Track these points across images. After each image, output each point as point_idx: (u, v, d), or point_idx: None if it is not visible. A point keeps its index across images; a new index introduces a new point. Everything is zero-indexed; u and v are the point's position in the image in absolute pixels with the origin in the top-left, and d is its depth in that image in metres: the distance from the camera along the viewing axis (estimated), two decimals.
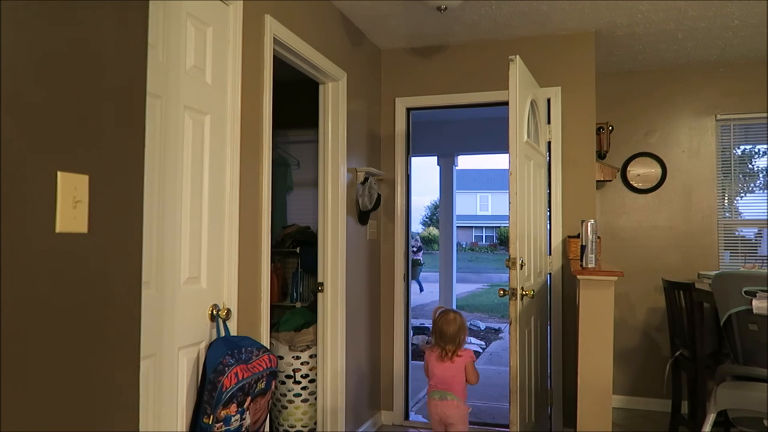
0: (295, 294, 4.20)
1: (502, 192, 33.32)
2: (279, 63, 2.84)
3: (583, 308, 2.75)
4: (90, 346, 1.18)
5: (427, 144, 6.03)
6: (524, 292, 2.90)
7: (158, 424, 1.90)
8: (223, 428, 1.93)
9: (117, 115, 1.26)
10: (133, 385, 1.30)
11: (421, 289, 14.89)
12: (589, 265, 2.83)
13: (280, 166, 4.31)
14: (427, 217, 35.69)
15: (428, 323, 8.68)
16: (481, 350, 6.90)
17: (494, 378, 5.33)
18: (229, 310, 2.21)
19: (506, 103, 2.91)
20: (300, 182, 4.44)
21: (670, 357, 3.68)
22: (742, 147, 4.47)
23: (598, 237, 3.19)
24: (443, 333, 2.96)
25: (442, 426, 2.97)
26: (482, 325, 8.87)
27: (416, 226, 34.35)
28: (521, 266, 2.89)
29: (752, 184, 4.43)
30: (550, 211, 3.79)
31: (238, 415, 1.97)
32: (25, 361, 1.04)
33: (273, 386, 2.16)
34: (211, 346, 2.04)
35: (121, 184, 1.27)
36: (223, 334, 2.17)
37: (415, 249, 15.87)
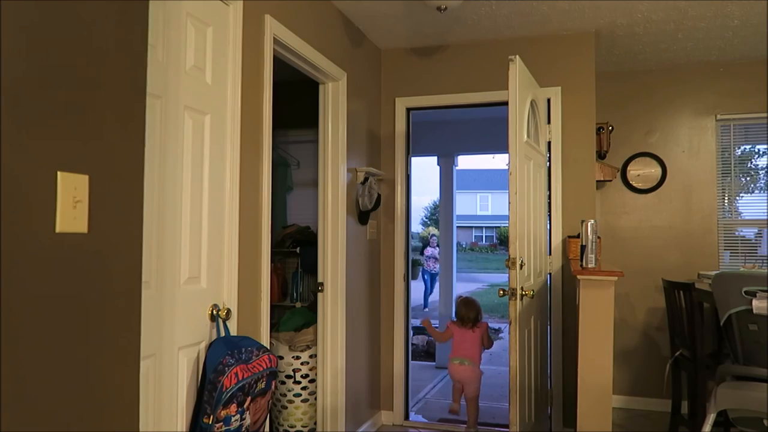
0: (295, 294, 4.20)
1: (502, 192, 33.30)
2: (279, 63, 2.84)
3: (583, 308, 2.75)
4: (90, 346, 1.18)
5: (427, 144, 6.02)
6: (524, 292, 2.90)
7: (158, 424, 1.90)
8: (223, 428, 1.93)
9: (117, 115, 1.26)
10: (133, 385, 1.30)
11: (430, 291, 12.88)
12: (589, 265, 2.83)
13: (280, 166, 4.32)
14: (426, 217, 35.67)
15: None
16: None
17: (494, 378, 5.33)
18: (229, 310, 2.21)
19: (506, 103, 2.91)
20: (300, 182, 4.44)
21: (670, 357, 3.67)
22: (742, 147, 4.47)
23: (598, 237, 3.19)
24: (464, 311, 3.87)
25: (460, 384, 3.84)
26: None
27: (416, 226, 34.35)
28: (521, 266, 2.89)
29: (752, 185, 4.43)
30: (550, 211, 3.80)
31: (238, 415, 1.97)
32: (24, 361, 1.04)
33: (273, 386, 2.16)
34: (211, 346, 2.04)
35: (121, 184, 1.27)
36: (223, 334, 2.17)
37: (435, 255, 13.05)
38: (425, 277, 13.25)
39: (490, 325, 4.38)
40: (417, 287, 14.14)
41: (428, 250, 13.21)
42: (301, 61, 3.01)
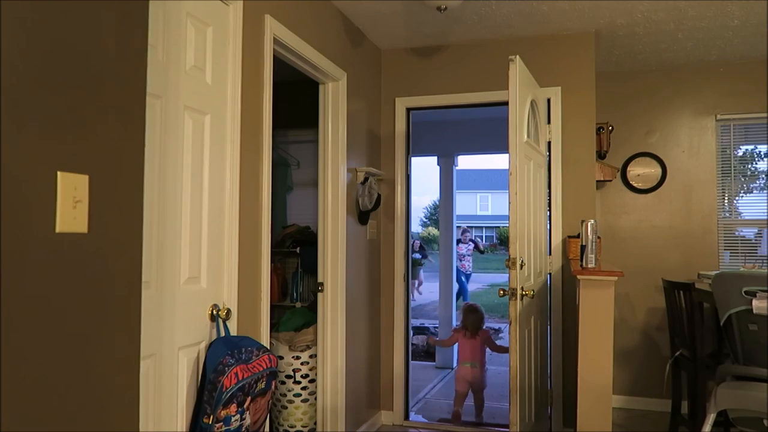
0: (295, 294, 4.20)
1: (502, 192, 33.29)
2: (279, 63, 2.84)
3: (583, 308, 2.75)
4: (90, 346, 1.18)
5: (427, 144, 6.02)
6: (524, 292, 2.90)
7: (158, 424, 1.90)
8: (223, 428, 1.92)
9: (117, 115, 1.26)
10: (133, 385, 1.30)
11: (465, 296, 10.70)
12: (589, 265, 2.83)
13: (280, 166, 4.31)
14: (426, 217, 35.64)
15: (428, 323, 8.70)
16: None
17: (494, 378, 5.32)
18: (229, 310, 2.21)
19: (506, 103, 2.91)
20: (300, 182, 4.44)
21: (670, 357, 3.67)
22: (742, 147, 4.47)
23: (598, 237, 3.19)
24: (467, 319, 4.33)
25: (466, 385, 4.21)
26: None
27: (416, 227, 34.29)
28: (521, 266, 2.89)
29: (752, 185, 4.43)
30: (550, 211, 3.79)
31: (238, 415, 1.97)
32: (24, 361, 1.04)
33: (273, 386, 2.16)
34: (211, 346, 2.04)
35: (121, 184, 1.27)
36: (223, 334, 2.17)
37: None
38: (461, 278, 10.91)
39: (490, 325, 4.51)
40: (430, 288, 13.68)
41: (461, 248, 11.10)
42: (301, 61, 3.01)
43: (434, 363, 6.01)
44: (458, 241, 11.11)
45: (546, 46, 3.82)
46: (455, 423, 4.11)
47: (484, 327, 4.43)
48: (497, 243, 34.60)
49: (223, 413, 1.91)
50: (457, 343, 4.45)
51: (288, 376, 3.52)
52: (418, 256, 13.34)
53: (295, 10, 2.87)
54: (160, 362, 1.90)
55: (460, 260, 11.13)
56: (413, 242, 13.78)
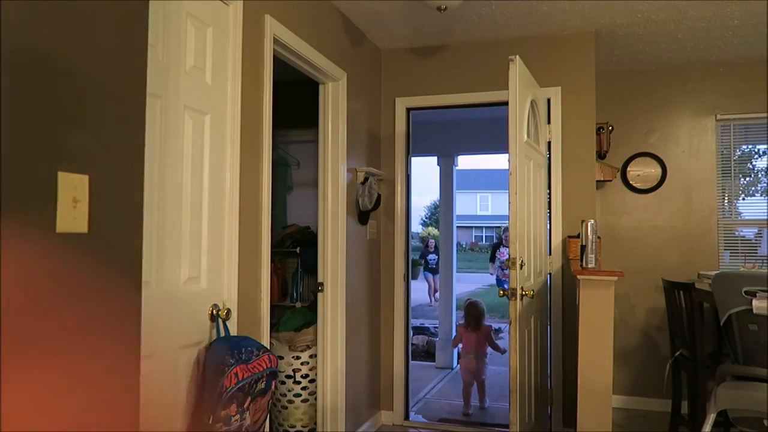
0: (295, 294, 4.20)
1: (502, 192, 33.28)
2: (279, 63, 2.84)
3: (583, 308, 2.75)
4: (89, 346, 1.18)
5: (427, 144, 6.01)
6: (524, 292, 2.90)
7: (158, 424, 1.89)
8: (223, 428, 1.92)
9: (117, 115, 1.26)
10: (133, 385, 1.30)
11: None
12: (589, 265, 2.83)
13: (280, 166, 4.31)
14: (426, 217, 35.64)
15: (428, 323, 8.71)
16: None
17: (494, 378, 5.33)
18: (229, 310, 2.21)
19: (506, 103, 2.91)
20: (300, 182, 4.44)
21: (670, 357, 3.67)
22: (742, 147, 4.47)
23: (598, 237, 3.19)
24: (470, 314, 4.61)
25: (470, 375, 4.46)
26: None
27: (416, 226, 34.26)
28: (521, 266, 2.89)
29: (752, 188, 4.43)
30: (550, 211, 3.79)
31: (238, 415, 1.96)
32: (24, 362, 1.04)
33: (273, 386, 2.16)
34: (211, 346, 2.04)
35: (121, 184, 1.27)
36: (223, 334, 2.17)
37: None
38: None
39: (490, 324, 4.60)
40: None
41: (506, 253, 9.65)
42: (301, 61, 3.01)
43: (434, 363, 6.01)
44: (500, 244, 9.93)
45: (546, 46, 3.82)
46: (466, 416, 4.32)
47: (485, 322, 4.65)
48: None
49: (223, 413, 1.91)
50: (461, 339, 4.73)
51: (288, 376, 3.52)
52: (434, 257, 12.04)
53: (295, 10, 2.87)
54: (160, 362, 1.90)
55: (503, 269, 9.77)
56: (428, 242, 12.57)
